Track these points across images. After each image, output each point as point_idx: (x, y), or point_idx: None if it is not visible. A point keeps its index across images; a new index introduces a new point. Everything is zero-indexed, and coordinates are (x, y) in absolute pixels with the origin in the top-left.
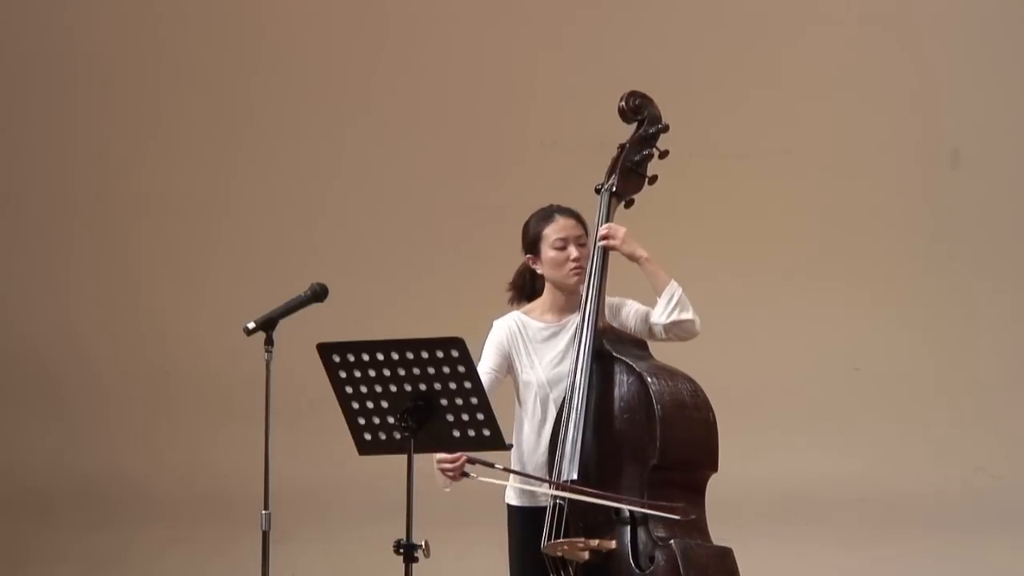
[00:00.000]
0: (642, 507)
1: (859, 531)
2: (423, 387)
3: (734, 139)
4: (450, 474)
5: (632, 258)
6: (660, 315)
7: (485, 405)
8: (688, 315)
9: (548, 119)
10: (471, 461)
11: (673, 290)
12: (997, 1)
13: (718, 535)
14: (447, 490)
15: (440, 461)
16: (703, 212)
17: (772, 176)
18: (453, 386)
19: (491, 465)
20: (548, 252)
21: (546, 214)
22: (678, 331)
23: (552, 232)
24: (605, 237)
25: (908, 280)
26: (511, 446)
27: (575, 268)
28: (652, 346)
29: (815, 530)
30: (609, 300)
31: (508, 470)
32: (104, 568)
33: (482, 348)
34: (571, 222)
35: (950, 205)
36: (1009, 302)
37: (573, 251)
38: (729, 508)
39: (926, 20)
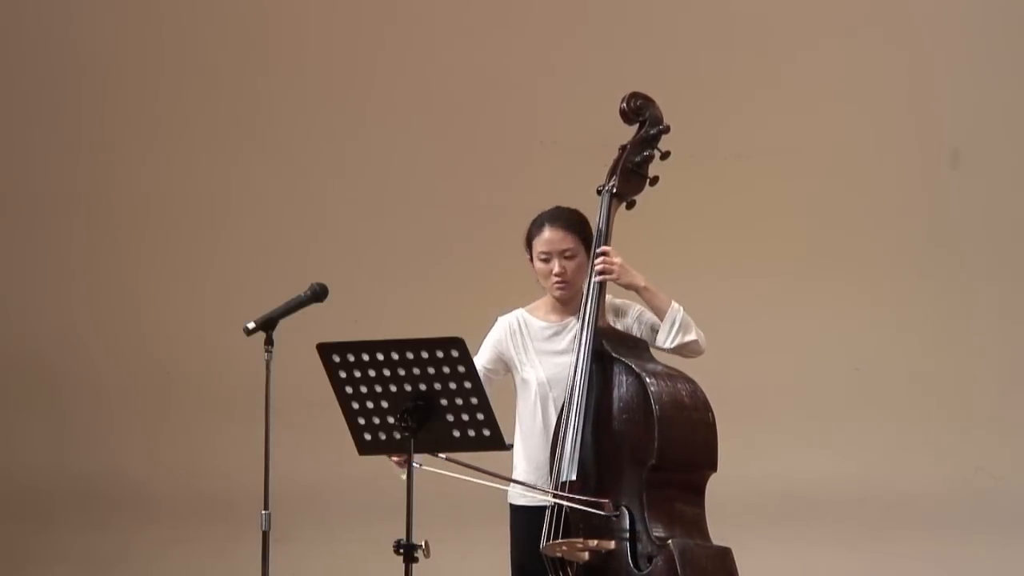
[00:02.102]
0: (569, 501)
1: (859, 531)
2: (423, 387)
3: (734, 139)
4: (395, 459)
5: (630, 288)
6: (664, 340)
7: (485, 405)
8: (692, 336)
9: (548, 119)
10: None
11: (675, 314)
12: (997, 1)
13: (717, 535)
14: (403, 477)
15: None
16: (703, 212)
17: (772, 176)
18: (453, 386)
19: (435, 454)
20: (535, 261)
21: (539, 223)
22: (684, 352)
23: (538, 244)
24: (602, 272)
25: (908, 280)
26: (511, 446)
27: (557, 283)
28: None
29: (815, 530)
30: (612, 302)
31: (451, 459)
32: (104, 568)
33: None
34: (558, 235)
35: (950, 205)
36: (1009, 302)
37: (556, 266)
38: (728, 508)
39: (926, 21)
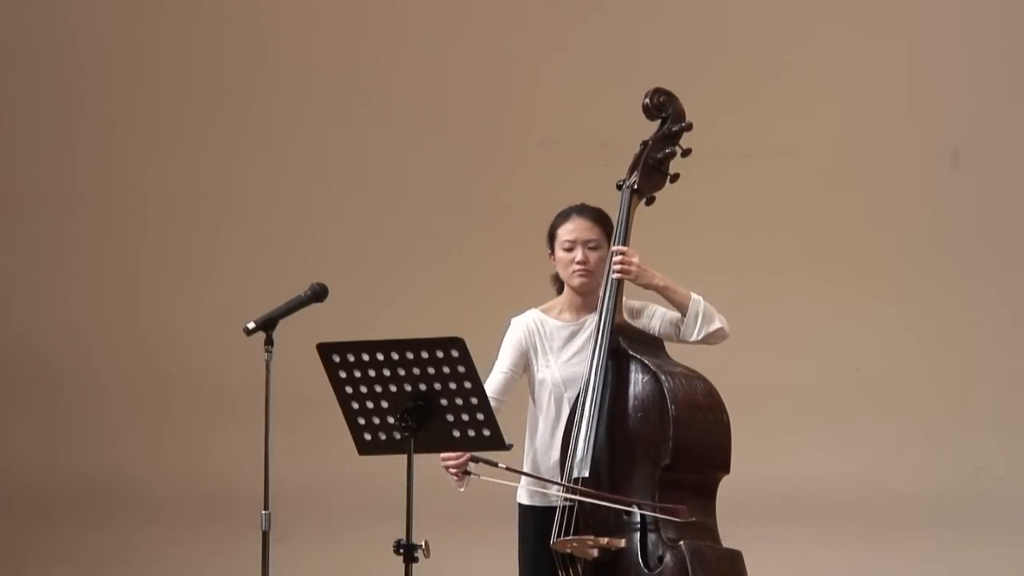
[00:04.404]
0: (650, 509)
1: (859, 531)
2: (423, 387)
3: (735, 139)
4: (453, 471)
5: (649, 288)
6: (691, 333)
7: (485, 405)
8: (716, 324)
9: (548, 119)
10: (475, 460)
11: (697, 306)
12: (997, 1)
13: (720, 535)
14: (461, 490)
15: (444, 459)
16: (704, 212)
17: (773, 176)
18: (453, 386)
19: (494, 464)
20: (558, 251)
21: (565, 213)
22: (711, 340)
23: (563, 233)
24: (620, 272)
25: (908, 280)
26: (511, 446)
27: (579, 271)
28: (668, 346)
29: (815, 530)
30: (630, 303)
31: (511, 469)
32: (104, 568)
33: (496, 347)
34: (585, 224)
35: (950, 205)
36: (1009, 302)
37: (579, 254)
38: (729, 508)
39: (926, 20)
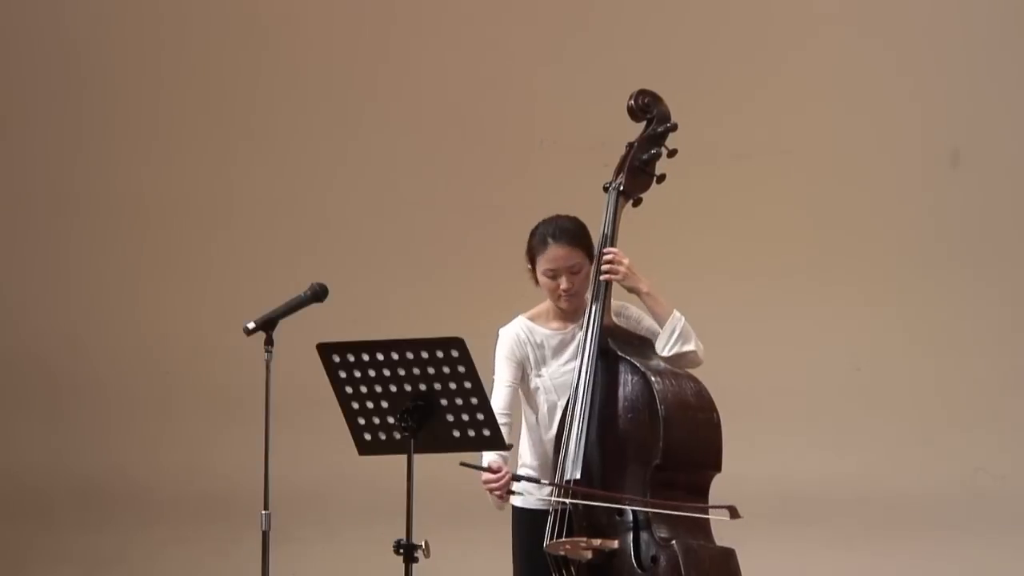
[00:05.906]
0: (697, 512)
1: (859, 531)
2: (423, 387)
3: (735, 139)
4: (496, 493)
5: (632, 291)
6: (663, 348)
7: (485, 405)
8: (690, 346)
9: (548, 119)
10: (516, 478)
11: (675, 323)
12: (996, 2)
13: (716, 535)
14: (500, 510)
15: (486, 481)
16: (703, 212)
17: (772, 176)
18: (453, 386)
19: (537, 481)
20: (540, 277)
21: (541, 238)
22: (681, 362)
23: (543, 262)
24: (608, 272)
25: (908, 280)
26: (511, 447)
27: (565, 297)
28: None
29: (815, 530)
30: (614, 304)
31: (552, 484)
32: (104, 568)
33: (493, 351)
34: (563, 252)
35: (950, 205)
36: (1009, 302)
37: (564, 282)
38: None
39: (926, 21)
